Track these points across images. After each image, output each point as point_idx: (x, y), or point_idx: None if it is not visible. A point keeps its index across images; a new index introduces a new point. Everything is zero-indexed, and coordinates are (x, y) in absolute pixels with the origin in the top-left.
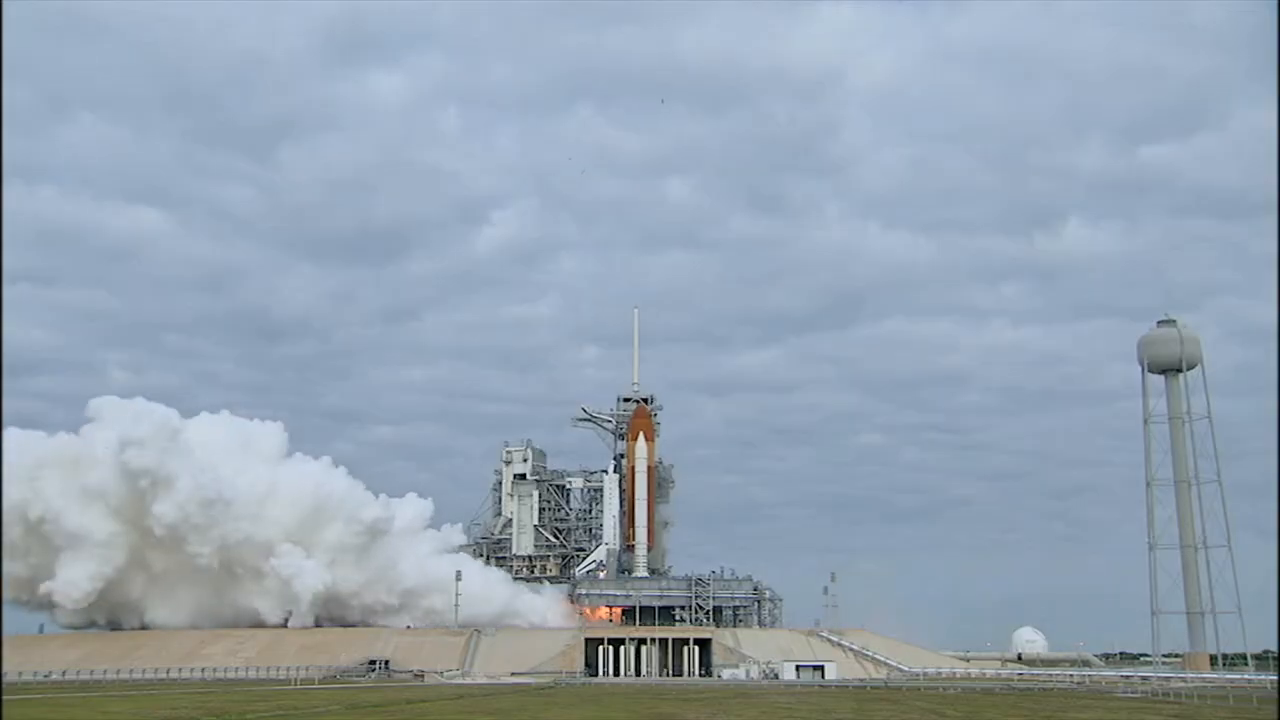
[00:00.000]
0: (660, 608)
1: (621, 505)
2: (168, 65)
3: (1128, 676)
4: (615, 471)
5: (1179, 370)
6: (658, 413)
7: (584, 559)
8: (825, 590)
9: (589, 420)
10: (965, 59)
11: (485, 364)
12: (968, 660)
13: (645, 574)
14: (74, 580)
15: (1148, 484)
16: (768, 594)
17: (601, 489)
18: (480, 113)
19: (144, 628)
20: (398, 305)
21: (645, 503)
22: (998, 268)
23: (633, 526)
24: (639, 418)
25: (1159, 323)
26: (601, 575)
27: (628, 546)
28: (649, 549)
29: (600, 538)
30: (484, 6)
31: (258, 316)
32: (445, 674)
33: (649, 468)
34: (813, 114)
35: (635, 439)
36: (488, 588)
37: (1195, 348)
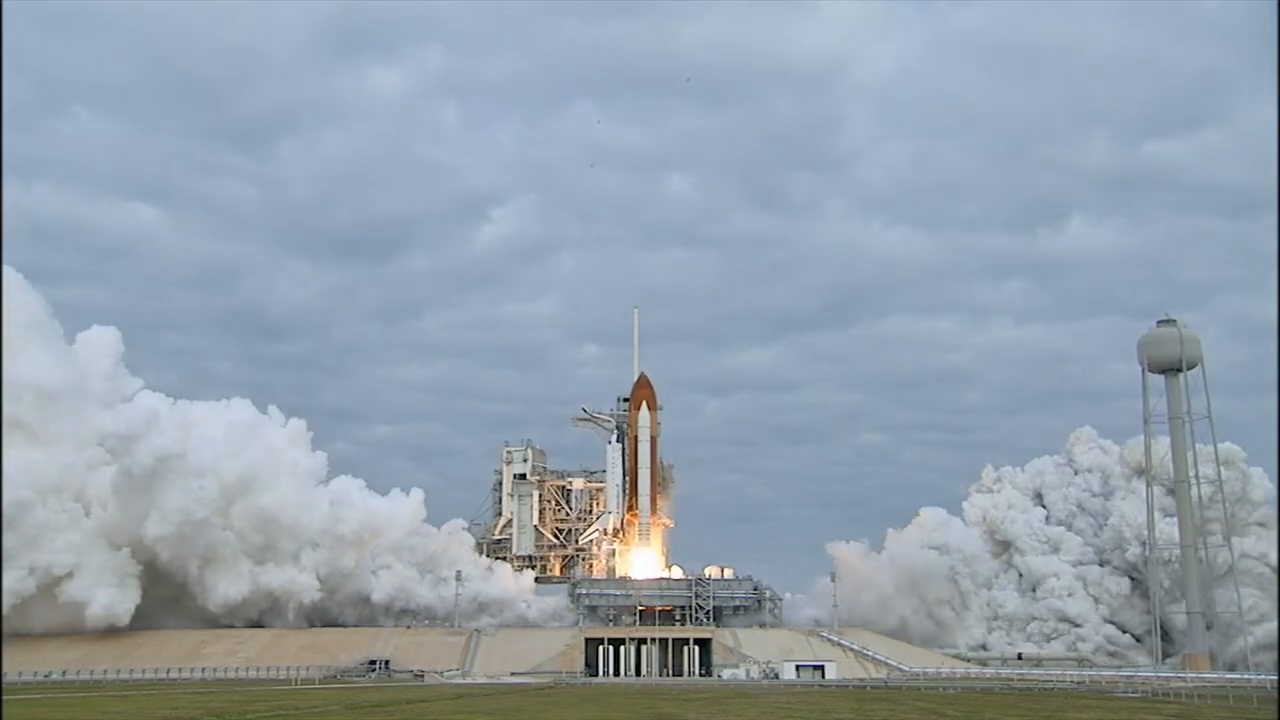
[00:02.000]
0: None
1: (624, 475)
2: (164, 59)
3: (1128, 676)
4: (618, 441)
5: (1179, 370)
6: (658, 411)
7: (584, 560)
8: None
9: (589, 420)
10: (969, 53)
11: (485, 362)
12: (968, 660)
13: (647, 549)
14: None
15: (1148, 483)
16: (768, 594)
17: (602, 489)
18: (480, 108)
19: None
20: (397, 303)
21: (649, 470)
22: (1001, 265)
23: (635, 495)
24: (641, 388)
25: (1159, 322)
26: (605, 545)
27: (630, 507)
28: (651, 514)
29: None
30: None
31: (256, 314)
32: (445, 674)
33: (651, 437)
34: (814, 109)
35: (638, 408)
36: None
37: (1195, 347)
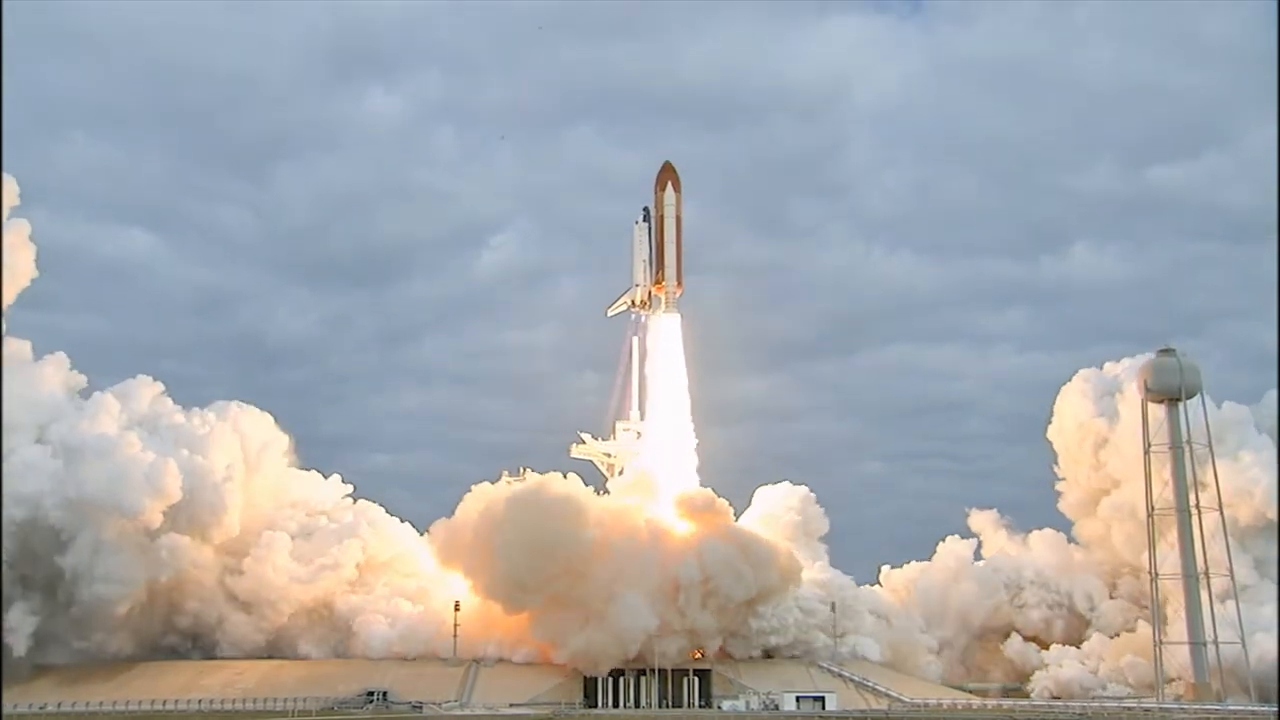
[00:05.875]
0: None
1: (651, 250)
2: (161, 83)
3: (1129, 708)
4: (645, 221)
5: (1178, 399)
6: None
7: None
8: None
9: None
10: (971, 77)
11: (483, 391)
12: (970, 691)
13: (674, 314)
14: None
15: (1149, 513)
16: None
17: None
18: (478, 133)
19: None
20: (395, 330)
21: (674, 246)
22: (1003, 292)
23: (662, 269)
24: (665, 172)
25: (1159, 351)
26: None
27: (657, 281)
28: (677, 285)
29: None
30: (482, 23)
31: (254, 341)
32: (444, 705)
33: (677, 216)
34: (816, 133)
35: (663, 189)
36: None
37: (1195, 376)
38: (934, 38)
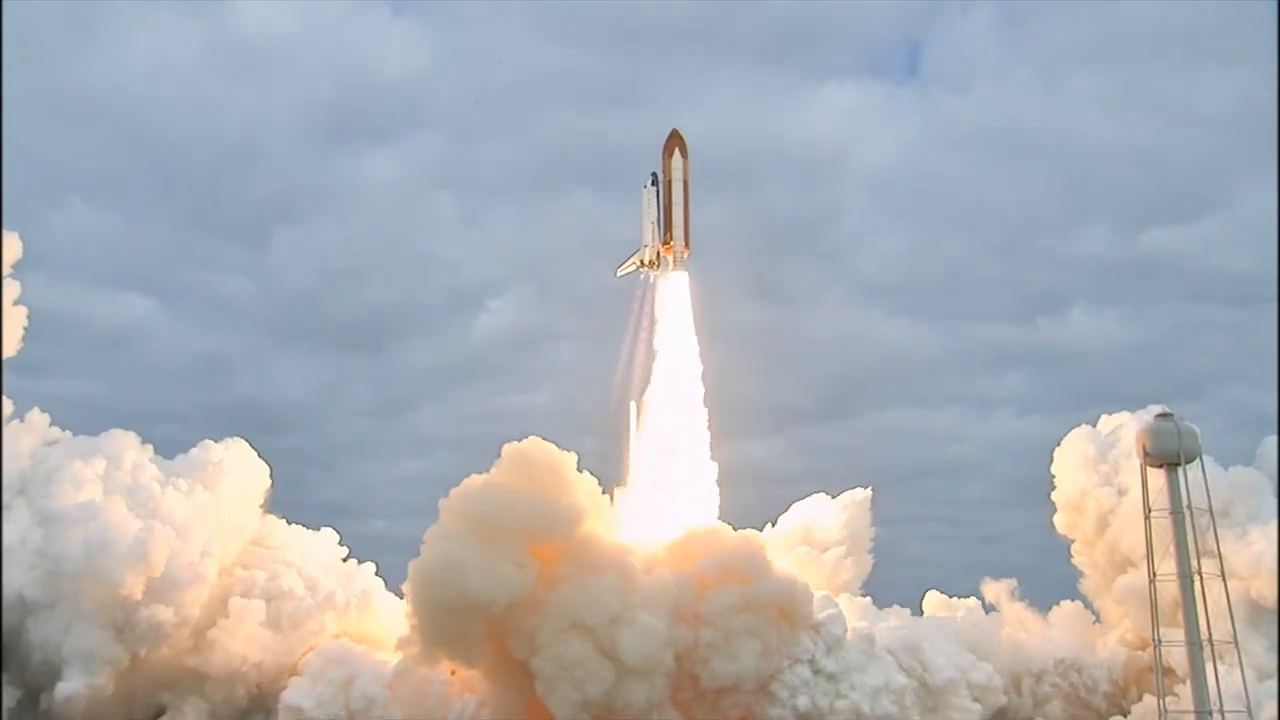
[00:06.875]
0: None
1: (659, 212)
2: (160, 148)
3: None
4: (653, 185)
5: (1177, 464)
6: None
7: None
8: None
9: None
10: (967, 142)
11: (480, 455)
12: None
13: (682, 271)
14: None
15: (1150, 579)
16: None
17: None
18: (477, 198)
19: None
20: (392, 396)
21: (682, 209)
22: (1002, 356)
23: (670, 230)
24: (673, 139)
25: (1157, 416)
26: (642, 273)
27: (665, 242)
28: (684, 246)
29: None
30: (481, 89)
31: (253, 407)
32: None
33: (684, 180)
34: (813, 198)
35: (671, 155)
36: None
37: (1194, 441)
38: (930, 104)
